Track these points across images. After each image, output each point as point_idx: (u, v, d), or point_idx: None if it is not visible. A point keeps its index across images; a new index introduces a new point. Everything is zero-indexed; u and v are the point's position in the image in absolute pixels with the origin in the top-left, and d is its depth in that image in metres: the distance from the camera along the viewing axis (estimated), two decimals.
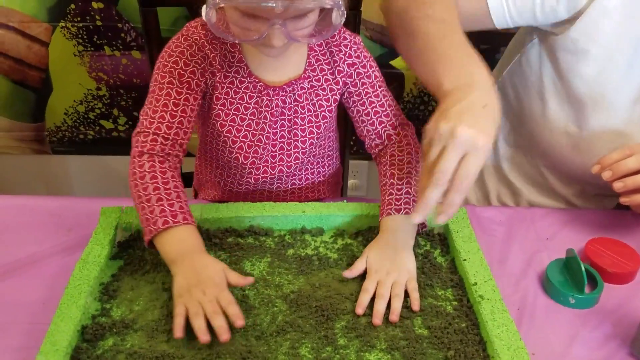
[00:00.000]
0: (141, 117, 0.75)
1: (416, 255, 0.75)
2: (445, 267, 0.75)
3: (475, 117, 0.64)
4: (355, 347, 0.62)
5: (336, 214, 0.80)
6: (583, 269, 0.72)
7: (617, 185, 0.77)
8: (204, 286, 0.62)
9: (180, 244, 0.67)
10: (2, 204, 0.84)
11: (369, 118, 0.83)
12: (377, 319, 0.65)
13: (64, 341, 0.58)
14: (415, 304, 0.67)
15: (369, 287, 0.69)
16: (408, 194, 0.77)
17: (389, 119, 0.83)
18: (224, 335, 0.59)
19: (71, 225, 0.80)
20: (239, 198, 0.88)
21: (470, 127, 0.63)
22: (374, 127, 0.83)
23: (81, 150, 1.64)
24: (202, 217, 0.78)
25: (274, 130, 0.82)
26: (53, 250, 0.76)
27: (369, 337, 0.63)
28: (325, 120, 0.83)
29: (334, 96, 0.82)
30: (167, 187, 0.70)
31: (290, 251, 0.76)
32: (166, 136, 0.73)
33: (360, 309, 0.66)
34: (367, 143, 0.85)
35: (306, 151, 0.85)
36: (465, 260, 0.72)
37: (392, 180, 0.78)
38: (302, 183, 0.91)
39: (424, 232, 0.79)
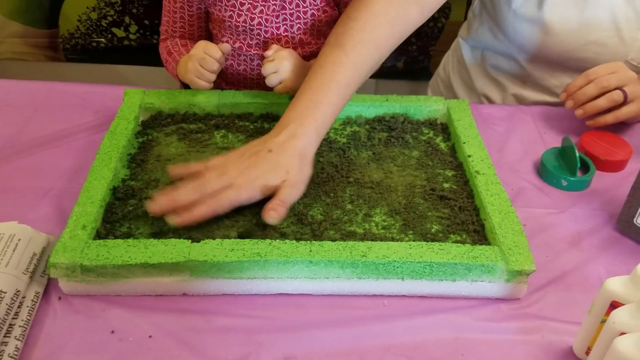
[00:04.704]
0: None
1: (419, 141, 0.80)
2: (447, 151, 0.80)
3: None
4: (363, 211, 0.68)
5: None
6: (577, 153, 0.78)
7: (578, 113, 0.85)
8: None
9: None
10: (34, 87, 0.90)
11: None
12: None
13: (99, 195, 0.64)
14: None
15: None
16: None
17: None
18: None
19: (97, 107, 0.85)
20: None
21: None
22: None
23: (94, 59, 1.68)
24: (220, 102, 0.82)
25: None
26: (81, 128, 0.81)
27: (374, 203, 0.69)
28: None
29: None
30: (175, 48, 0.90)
31: None
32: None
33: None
34: None
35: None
36: (464, 143, 0.77)
37: None
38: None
39: (427, 122, 0.84)
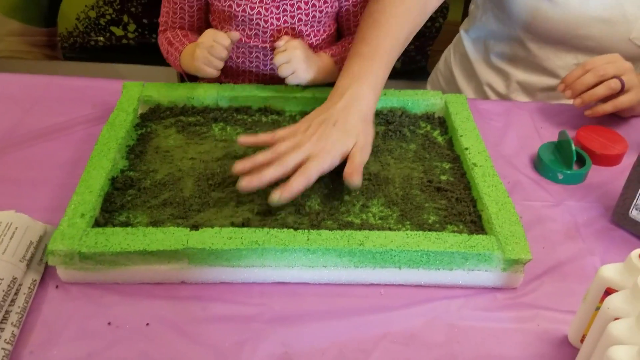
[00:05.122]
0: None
1: (416, 135, 0.81)
2: (444, 145, 0.80)
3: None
4: (360, 202, 0.68)
5: None
6: (573, 146, 0.78)
7: (576, 102, 0.85)
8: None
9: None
10: (33, 80, 0.90)
11: None
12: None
13: (97, 185, 0.64)
14: None
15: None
16: None
17: None
18: None
19: (95, 101, 0.85)
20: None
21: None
22: None
23: (92, 57, 1.68)
24: (219, 95, 0.83)
25: None
26: (79, 121, 0.81)
27: (371, 194, 0.69)
28: None
29: None
30: (176, 38, 0.90)
31: None
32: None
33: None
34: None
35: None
36: (462, 136, 0.78)
37: None
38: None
39: (424, 116, 0.85)
